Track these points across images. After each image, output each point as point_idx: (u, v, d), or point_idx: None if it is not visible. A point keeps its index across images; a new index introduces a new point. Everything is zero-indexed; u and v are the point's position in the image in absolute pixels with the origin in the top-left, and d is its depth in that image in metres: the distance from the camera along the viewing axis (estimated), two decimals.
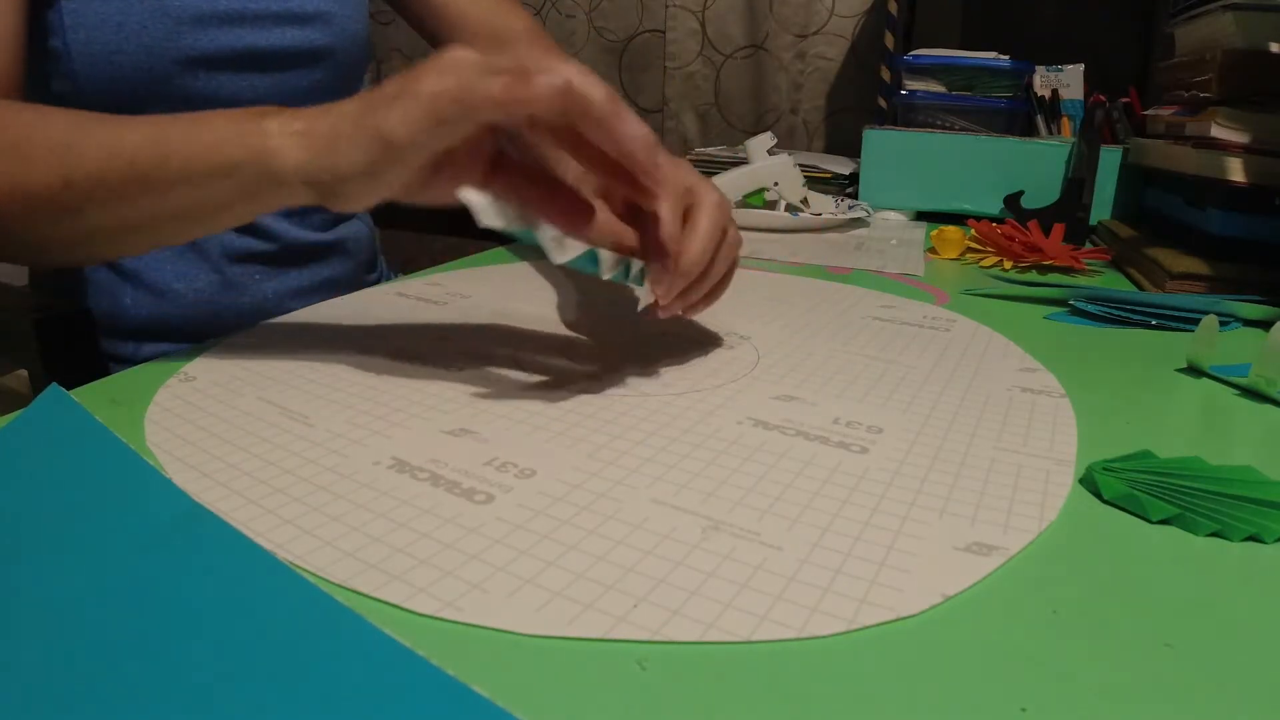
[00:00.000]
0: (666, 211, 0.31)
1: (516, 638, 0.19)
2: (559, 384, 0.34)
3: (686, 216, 0.34)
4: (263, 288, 0.54)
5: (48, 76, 0.45)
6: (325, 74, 0.54)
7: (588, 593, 0.20)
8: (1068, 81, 0.85)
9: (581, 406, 0.32)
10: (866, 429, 0.30)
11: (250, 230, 0.53)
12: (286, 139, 0.30)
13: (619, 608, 0.20)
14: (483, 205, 0.28)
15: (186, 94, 0.47)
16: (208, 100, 0.48)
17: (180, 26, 0.46)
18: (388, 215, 0.72)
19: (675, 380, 0.35)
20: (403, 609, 0.20)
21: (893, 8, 0.92)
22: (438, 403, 0.31)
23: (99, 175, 0.31)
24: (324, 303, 0.46)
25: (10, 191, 0.32)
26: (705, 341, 0.40)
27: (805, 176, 0.76)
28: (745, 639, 0.19)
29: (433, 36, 0.60)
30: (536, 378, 0.35)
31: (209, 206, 0.32)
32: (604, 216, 0.32)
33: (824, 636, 0.19)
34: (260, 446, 0.27)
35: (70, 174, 0.31)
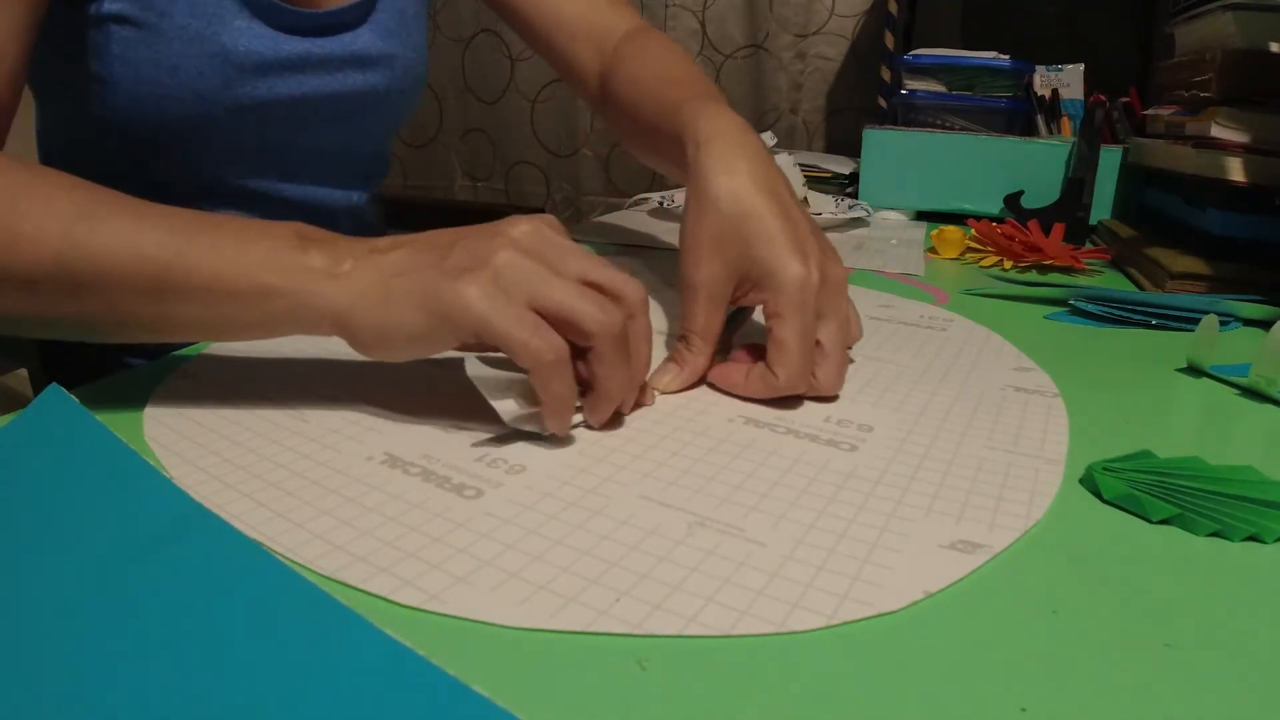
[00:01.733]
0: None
1: (499, 630, 0.19)
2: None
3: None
4: None
5: (86, 99, 0.42)
6: (373, 119, 0.52)
7: (571, 587, 0.20)
8: (1068, 81, 0.84)
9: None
10: (857, 427, 0.30)
11: None
12: (330, 281, 0.27)
13: (602, 602, 0.20)
14: (502, 405, 0.27)
15: (233, 140, 0.45)
16: (255, 145, 0.46)
17: (240, 74, 0.43)
18: (388, 216, 0.72)
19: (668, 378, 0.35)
20: (389, 601, 0.20)
21: (893, 8, 0.92)
22: (431, 399, 0.32)
23: (102, 268, 0.27)
24: None
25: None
26: None
27: (805, 176, 0.76)
28: (725, 633, 0.19)
29: (528, 37, 0.56)
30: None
31: (219, 324, 0.29)
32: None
33: (803, 631, 0.19)
34: (255, 442, 0.28)
35: (68, 261, 0.27)
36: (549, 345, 0.26)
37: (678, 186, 0.75)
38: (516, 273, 0.26)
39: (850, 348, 0.35)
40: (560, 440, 0.28)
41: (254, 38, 0.43)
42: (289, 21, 0.45)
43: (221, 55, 0.42)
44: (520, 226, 0.28)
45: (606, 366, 0.27)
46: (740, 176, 0.33)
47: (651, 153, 0.47)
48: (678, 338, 0.34)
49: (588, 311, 0.27)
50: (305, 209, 0.51)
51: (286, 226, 0.29)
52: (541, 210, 1.51)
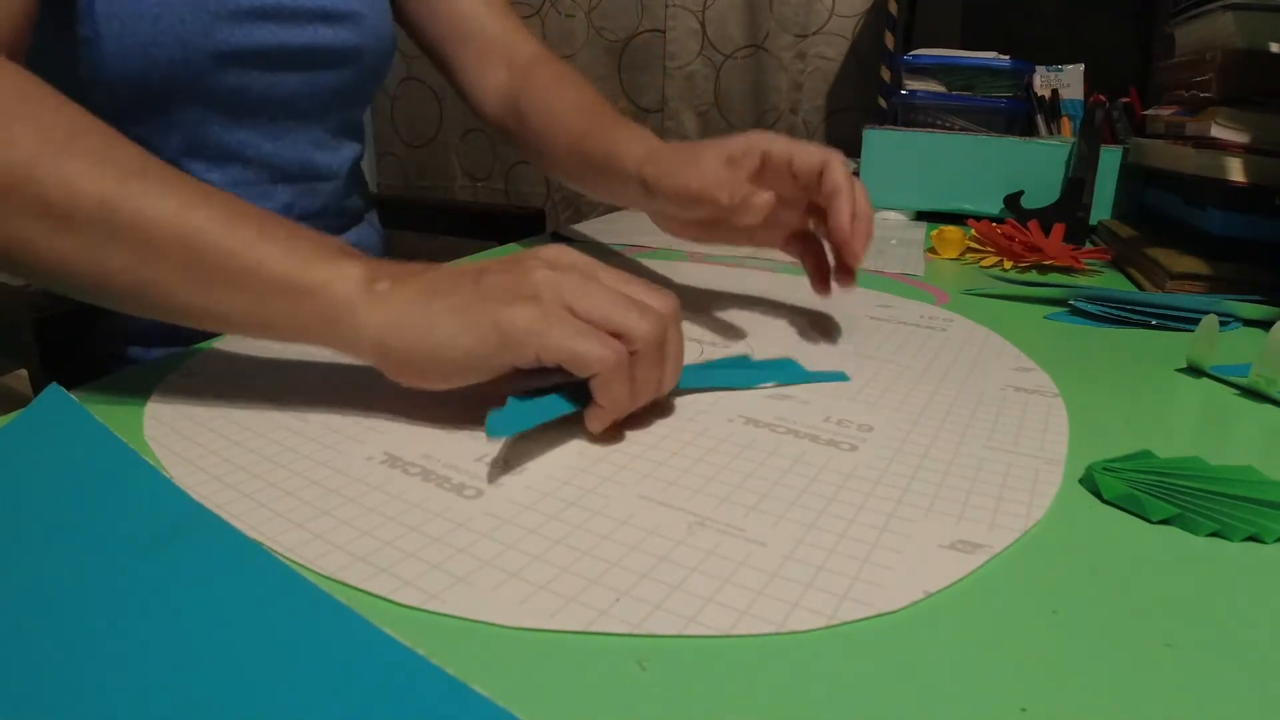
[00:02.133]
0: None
1: (499, 630, 0.19)
2: (552, 382, 0.34)
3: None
4: None
5: (75, 64, 0.44)
6: (352, 74, 0.54)
7: (571, 586, 0.20)
8: (1068, 81, 0.85)
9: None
10: (857, 427, 0.30)
11: None
12: (368, 296, 0.27)
13: (602, 601, 0.20)
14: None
15: (216, 90, 0.47)
16: (237, 96, 0.48)
17: (217, 21, 0.46)
18: (388, 216, 0.72)
19: None
20: (389, 601, 0.20)
21: (893, 8, 0.92)
22: (431, 399, 0.32)
23: (144, 224, 0.27)
24: None
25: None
26: (700, 340, 0.40)
27: None
28: (725, 633, 0.19)
29: (432, 45, 0.59)
30: (530, 375, 0.35)
31: (246, 316, 0.28)
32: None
33: (803, 631, 0.19)
34: (255, 441, 0.28)
35: (114, 207, 0.27)
36: (612, 350, 0.26)
37: None
38: (558, 289, 0.27)
39: None
40: (560, 440, 0.28)
41: None
42: None
43: (197, 3, 0.45)
44: (545, 251, 0.29)
45: (646, 370, 0.28)
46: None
47: (581, 168, 0.51)
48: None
49: (633, 319, 0.27)
50: (288, 171, 0.53)
51: (330, 238, 0.29)
52: (541, 211, 1.51)
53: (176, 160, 0.31)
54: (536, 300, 0.26)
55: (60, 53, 0.44)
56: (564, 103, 0.53)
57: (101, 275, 0.28)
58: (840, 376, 0.35)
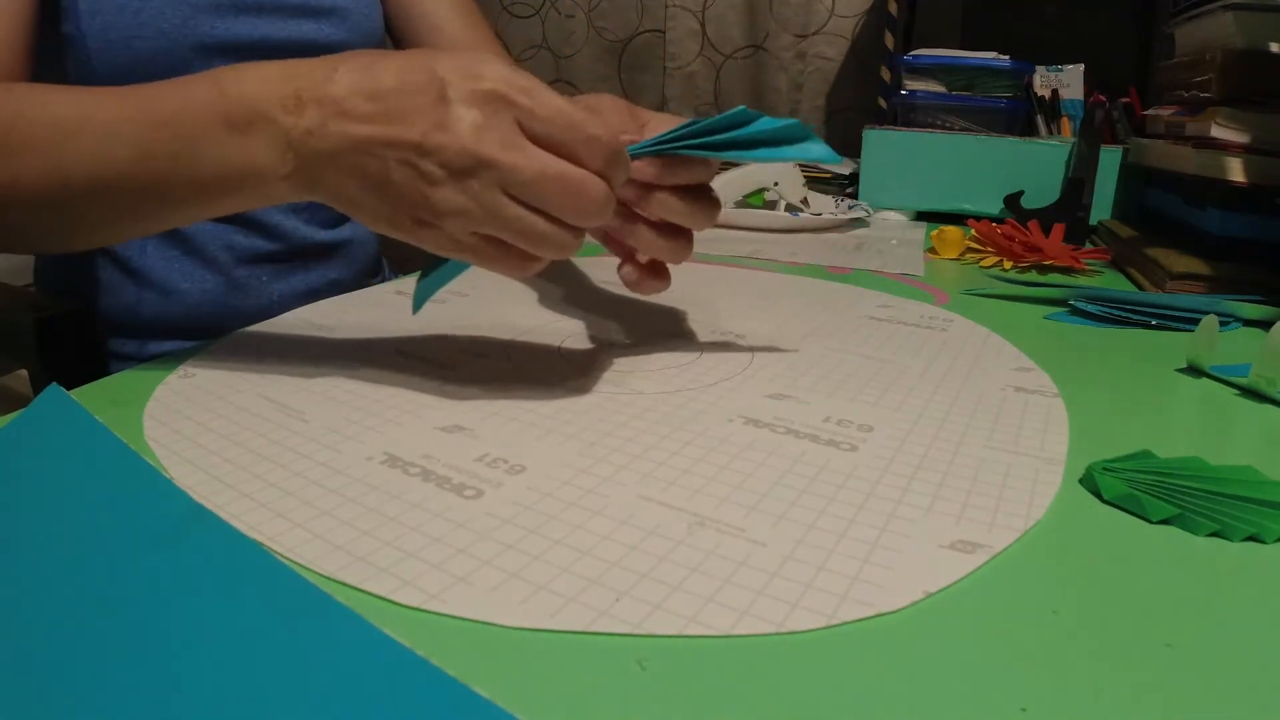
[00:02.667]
0: None
1: (499, 630, 0.19)
2: (552, 382, 0.34)
3: None
4: (269, 289, 0.54)
5: (61, 62, 0.45)
6: None
7: (571, 586, 0.20)
8: (1068, 81, 0.85)
9: (573, 404, 0.32)
10: (857, 427, 0.30)
11: (258, 229, 0.53)
12: (284, 181, 0.28)
13: (602, 602, 0.20)
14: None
15: None
16: None
17: (197, 13, 0.46)
18: None
19: (668, 379, 0.35)
20: (389, 601, 0.20)
21: (893, 8, 0.92)
22: (432, 399, 0.32)
23: (94, 179, 0.30)
24: (322, 301, 0.47)
25: (7, 191, 0.31)
26: (700, 341, 0.41)
27: (805, 176, 0.76)
28: (725, 633, 0.19)
29: (399, 41, 0.60)
30: (529, 376, 0.35)
31: (208, 207, 0.31)
32: None
33: (803, 631, 0.19)
34: (256, 442, 0.28)
35: (66, 175, 0.30)
36: (508, 263, 0.28)
37: None
38: (458, 216, 0.27)
39: None
40: (560, 440, 0.28)
41: None
42: None
43: None
44: (451, 136, 0.26)
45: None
46: None
47: None
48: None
49: (539, 246, 0.27)
50: None
51: (215, 107, 0.28)
52: None
53: None
54: (438, 229, 0.27)
55: (47, 52, 0.44)
56: None
57: (113, 221, 0.32)
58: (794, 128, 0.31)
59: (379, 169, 0.27)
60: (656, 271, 0.36)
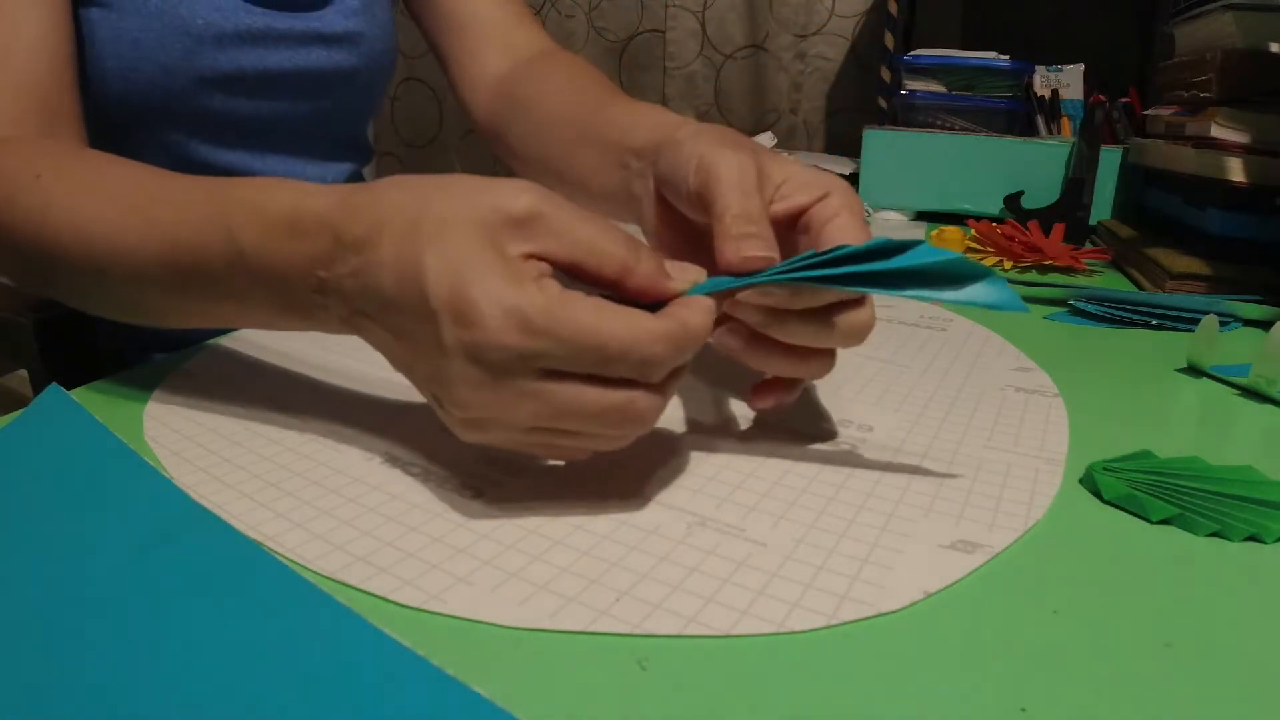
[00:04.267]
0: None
1: (499, 630, 0.19)
2: None
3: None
4: None
5: None
6: (346, 96, 0.52)
7: (571, 586, 0.20)
8: (1068, 81, 0.85)
9: None
10: (857, 427, 0.30)
11: None
12: (346, 326, 0.25)
13: (602, 601, 0.20)
14: None
15: (201, 113, 0.46)
16: (222, 119, 0.47)
17: (201, 45, 0.44)
18: None
19: None
20: (389, 601, 0.20)
21: (893, 8, 0.92)
22: None
23: (122, 295, 0.30)
24: None
25: (44, 290, 0.31)
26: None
27: None
28: (725, 633, 0.19)
29: (428, 35, 0.55)
30: None
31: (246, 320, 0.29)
32: None
33: (803, 631, 0.19)
34: (256, 441, 0.28)
35: (98, 290, 0.31)
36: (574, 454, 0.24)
37: None
38: (483, 427, 0.22)
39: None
40: None
41: (213, 10, 0.44)
42: None
43: (180, 27, 0.43)
44: (457, 395, 0.21)
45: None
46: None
47: (572, 151, 0.39)
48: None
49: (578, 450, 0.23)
50: None
51: (227, 264, 0.25)
52: None
53: None
54: (467, 423, 0.22)
55: None
56: (561, 81, 0.45)
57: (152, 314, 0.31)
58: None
59: (403, 354, 0.23)
60: (786, 386, 0.28)
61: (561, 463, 0.26)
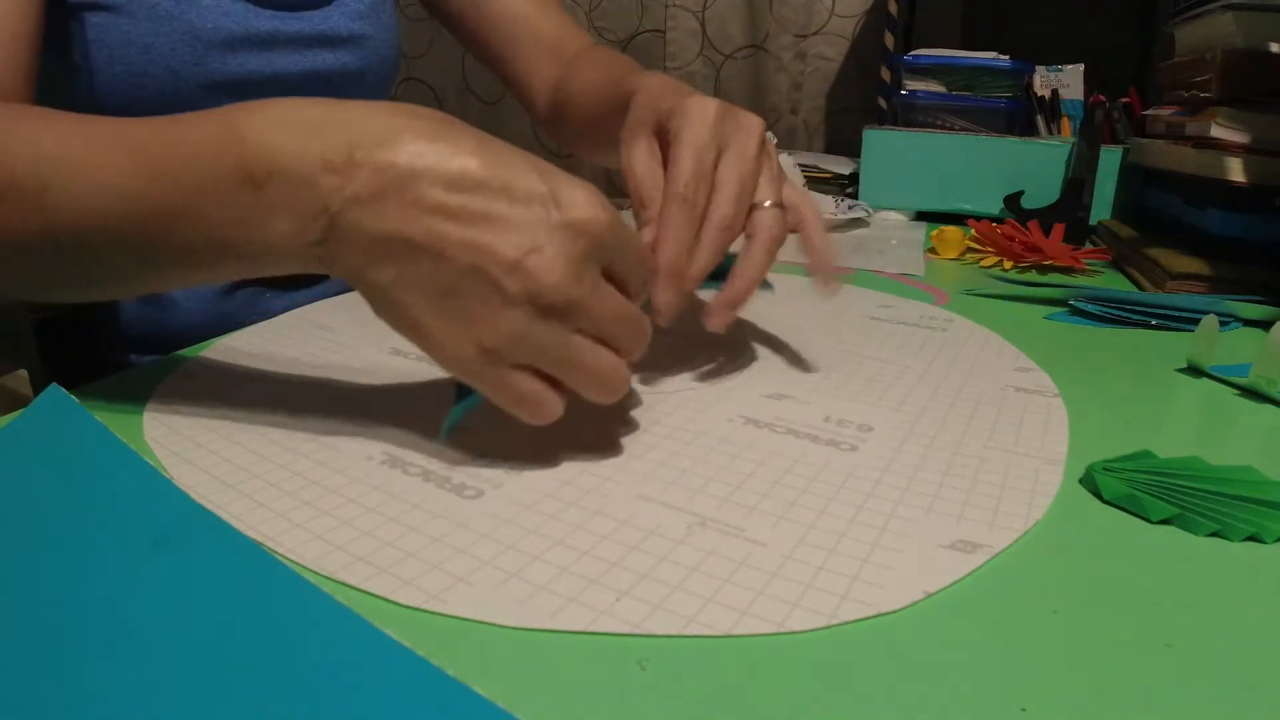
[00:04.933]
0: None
1: (499, 630, 0.19)
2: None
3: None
4: (271, 305, 0.54)
5: (68, 89, 0.44)
6: (350, 99, 0.53)
7: (572, 586, 0.20)
8: (1068, 81, 0.85)
9: (574, 405, 0.32)
10: (857, 427, 0.30)
11: None
12: (303, 255, 0.24)
13: (602, 601, 0.20)
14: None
15: None
16: None
17: (210, 50, 0.44)
18: None
19: (668, 379, 0.35)
20: (389, 601, 0.20)
21: (893, 8, 0.92)
22: (432, 399, 0.32)
23: (78, 232, 0.25)
24: (322, 301, 0.47)
25: None
26: (699, 341, 0.40)
27: (805, 176, 0.76)
28: (725, 633, 0.19)
29: (483, 47, 0.56)
30: None
31: (203, 272, 0.26)
32: None
33: (803, 631, 0.19)
34: (256, 442, 0.28)
35: (48, 224, 0.25)
36: (541, 413, 0.25)
37: None
38: (520, 343, 0.23)
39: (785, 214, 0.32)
40: (560, 440, 0.28)
41: (222, 14, 0.44)
42: None
43: (190, 32, 0.43)
44: (555, 269, 0.22)
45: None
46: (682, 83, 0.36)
47: (608, 124, 0.44)
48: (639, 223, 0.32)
49: (592, 388, 0.25)
50: None
51: (226, 156, 0.23)
52: None
53: None
54: (489, 353, 0.23)
55: (53, 76, 0.43)
56: (593, 65, 0.51)
57: (103, 280, 0.28)
58: None
59: (441, 270, 0.22)
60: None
61: (540, 420, 0.25)
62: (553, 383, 0.25)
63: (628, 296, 0.25)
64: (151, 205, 0.24)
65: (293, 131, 0.23)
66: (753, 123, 0.32)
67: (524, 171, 0.23)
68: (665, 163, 0.31)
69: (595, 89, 0.48)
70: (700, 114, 0.31)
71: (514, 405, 0.25)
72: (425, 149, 0.22)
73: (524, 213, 0.22)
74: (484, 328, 0.23)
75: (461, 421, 0.27)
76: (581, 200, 0.23)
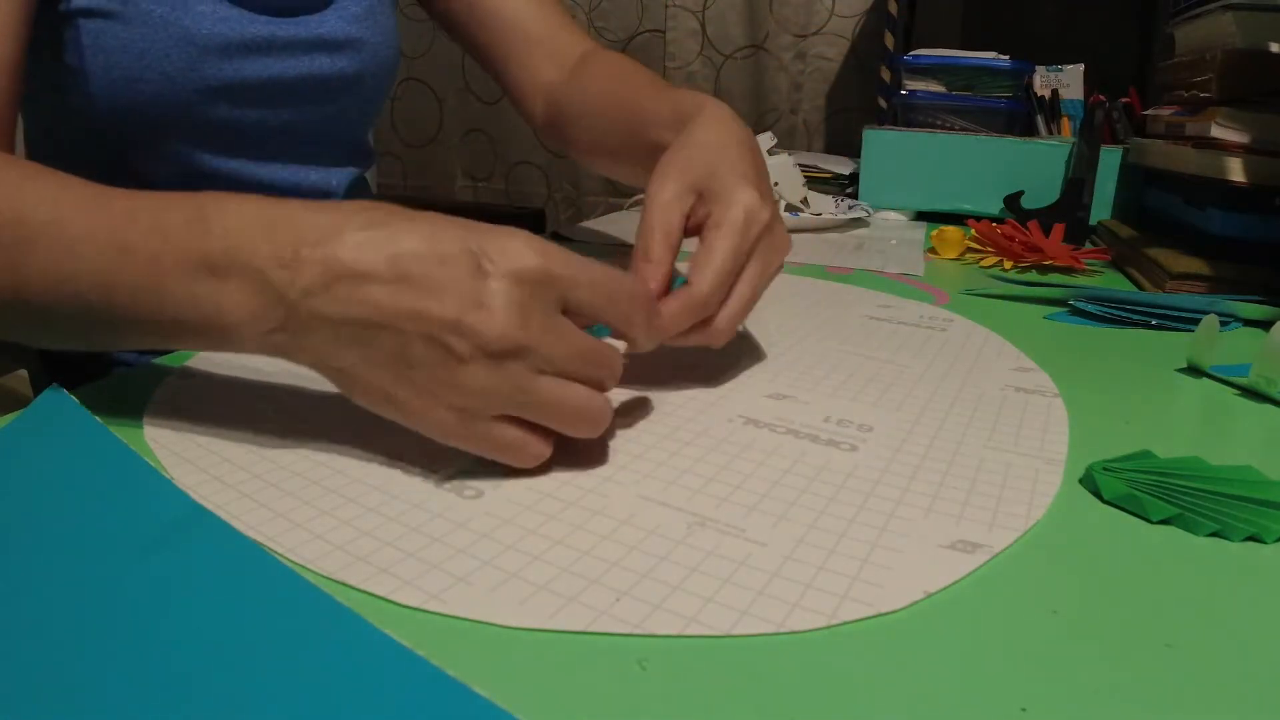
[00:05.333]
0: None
1: (499, 630, 0.19)
2: None
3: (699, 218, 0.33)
4: None
5: (64, 91, 0.43)
6: (351, 102, 0.52)
7: (572, 586, 0.20)
8: (1068, 81, 0.85)
9: None
10: (857, 427, 0.30)
11: None
12: (266, 341, 0.25)
13: (602, 601, 0.20)
14: None
15: (205, 123, 0.46)
16: (227, 128, 0.47)
17: (205, 55, 0.44)
18: None
19: (668, 379, 0.35)
20: (389, 601, 0.20)
21: (893, 8, 0.92)
22: None
23: (49, 294, 0.26)
24: None
25: None
26: None
27: (805, 176, 0.76)
28: (725, 633, 0.19)
29: (476, 48, 0.56)
30: None
31: (165, 344, 0.27)
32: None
33: (803, 631, 0.19)
34: (256, 442, 0.28)
35: (21, 283, 0.26)
36: (525, 458, 0.25)
37: None
38: (486, 397, 0.24)
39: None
40: (560, 440, 0.28)
41: (218, 20, 0.44)
42: (253, 1, 0.46)
43: (185, 38, 0.43)
44: (495, 319, 0.23)
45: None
46: (725, 127, 0.36)
47: (621, 147, 0.46)
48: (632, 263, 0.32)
49: (571, 425, 0.25)
50: (284, 195, 0.52)
51: (193, 246, 0.25)
52: (541, 211, 1.49)
53: (169, 187, 0.28)
54: (463, 408, 0.24)
55: (50, 79, 0.43)
56: (602, 76, 0.50)
57: (76, 338, 0.29)
58: None
59: (395, 344, 0.23)
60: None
61: (527, 464, 0.26)
62: (534, 427, 0.25)
63: (595, 323, 0.26)
64: (116, 279, 0.25)
65: (251, 227, 0.25)
66: (786, 243, 0.35)
67: (455, 238, 0.24)
68: (687, 217, 0.33)
69: (606, 106, 0.48)
70: (748, 220, 0.32)
71: (500, 454, 0.25)
72: (363, 238, 0.24)
73: (459, 274, 0.23)
74: (449, 390, 0.24)
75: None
76: (514, 250, 0.24)
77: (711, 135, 0.35)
